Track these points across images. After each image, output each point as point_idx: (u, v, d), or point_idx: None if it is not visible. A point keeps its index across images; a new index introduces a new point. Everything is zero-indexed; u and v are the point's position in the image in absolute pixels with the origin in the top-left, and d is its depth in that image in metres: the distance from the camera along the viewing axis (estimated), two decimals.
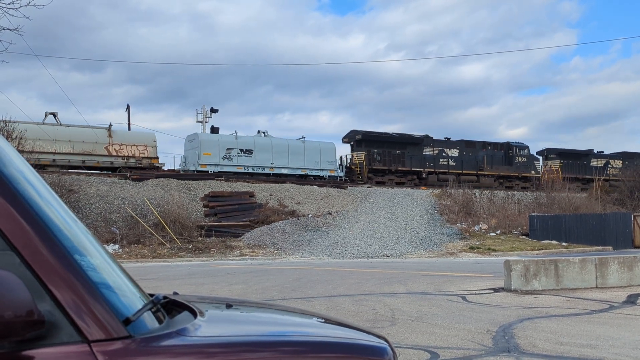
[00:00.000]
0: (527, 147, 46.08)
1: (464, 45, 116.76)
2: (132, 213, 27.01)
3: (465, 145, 43.63)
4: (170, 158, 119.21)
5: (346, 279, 14.36)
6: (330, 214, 30.68)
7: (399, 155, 40.85)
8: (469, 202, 33.13)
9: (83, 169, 32.42)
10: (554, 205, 34.68)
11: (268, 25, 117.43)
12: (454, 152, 43.01)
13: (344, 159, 41.06)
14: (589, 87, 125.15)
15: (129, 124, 40.49)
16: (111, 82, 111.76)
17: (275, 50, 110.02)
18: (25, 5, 12.51)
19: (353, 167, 40.29)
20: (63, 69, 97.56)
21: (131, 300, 1.78)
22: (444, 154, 42.59)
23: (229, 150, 35.94)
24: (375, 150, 40.16)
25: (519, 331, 7.52)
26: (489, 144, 45.19)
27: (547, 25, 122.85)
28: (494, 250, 25.21)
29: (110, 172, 32.91)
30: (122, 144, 34.39)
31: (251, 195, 31.42)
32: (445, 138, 43.52)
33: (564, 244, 28.05)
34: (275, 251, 25.02)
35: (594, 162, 48.78)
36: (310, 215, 30.40)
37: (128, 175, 31.93)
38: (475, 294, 11.30)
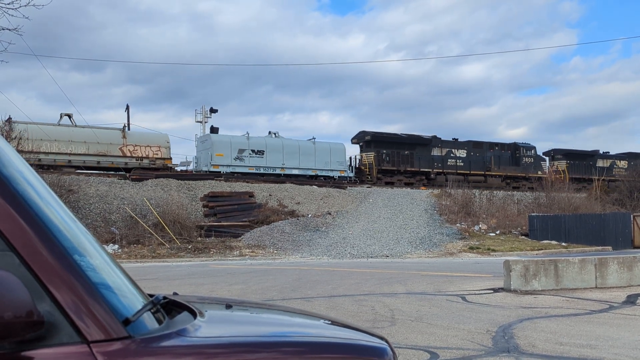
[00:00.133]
0: (534, 148, 46.35)
1: (464, 45, 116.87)
2: (132, 213, 27.00)
3: (473, 145, 43.93)
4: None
5: (346, 279, 14.36)
6: (329, 214, 30.69)
7: (407, 155, 41.16)
8: (469, 202, 33.14)
9: (97, 170, 32.82)
10: (554, 206, 34.69)
11: (268, 25, 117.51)
12: (462, 153, 43.31)
13: (353, 159, 41.42)
14: (589, 87, 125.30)
15: (128, 124, 40.45)
16: (111, 82, 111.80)
17: (275, 51, 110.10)
18: (25, 6, 12.51)
19: (362, 167, 40.62)
20: (63, 69, 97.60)
21: (131, 300, 1.78)
22: (452, 155, 42.90)
23: (241, 151, 36.35)
24: (384, 151, 40.49)
25: (518, 331, 7.52)
26: (497, 144, 45.46)
27: (547, 25, 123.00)
28: (493, 250, 25.22)
29: (124, 173, 33.18)
30: (136, 145, 34.71)
31: (251, 195, 31.42)
32: (453, 139, 43.85)
33: (563, 244, 28.05)
34: (275, 251, 25.02)
35: (600, 163, 48.92)
36: (309, 215, 30.41)
37: (127, 176, 31.96)
38: (475, 294, 11.30)
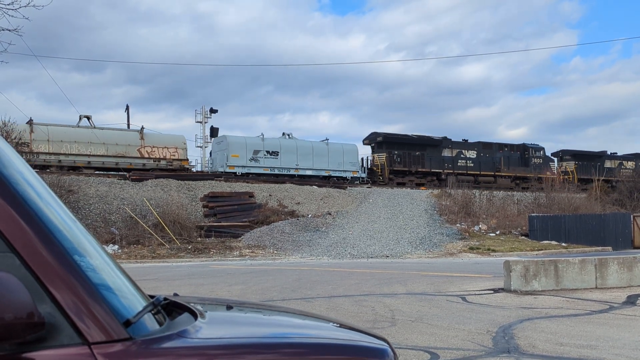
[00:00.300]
0: (543, 149, 46.71)
1: (465, 45, 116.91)
2: (132, 213, 26.99)
3: (483, 146, 44.38)
4: None
5: (346, 279, 14.35)
6: (329, 214, 30.68)
7: (418, 156, 41.59)
8: (469, 202, 33.13)
9: (116, 171, 33.09)
10: (554, 206, 34.68)
11: (268, 25, 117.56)
12: (472, 154, 43.71)
13: (364, 160, 41.80)
14: (589, 88, 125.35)
15: (128, 124, 40.55)
16: (111, 82, 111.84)
17: (276, 51, 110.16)
18: (25, 6, 12.50)
19: (375, 168, 41.07)
20: (63, 69, 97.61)
21: (131, 301, 1.78)
22: (462, 156, 43.32)
23: (256, 152, 36.89)
24: (396, 152, 40.91)
25: (518, 332, 7.51)
26: (506, 145, 45.93)
27: (548, 25, 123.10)
28: (493, 250, 25.21)
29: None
30: (153, 146, 35.14)
31: (251, 195, 31.41)
32: (462, 140, 44.28)
33: (563, 244, 28.04)
34: (275, 251, 25.01)
35: (608, 164, 49.12)
36: (309, 215, 30.40)
37: (127, 176, 31.99)
38: (475, 294, 11.30)
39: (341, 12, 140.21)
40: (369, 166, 41.39)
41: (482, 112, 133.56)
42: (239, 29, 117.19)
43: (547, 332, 7.48)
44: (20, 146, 30.40)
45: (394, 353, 2.10)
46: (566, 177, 44.03)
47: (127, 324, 1.61)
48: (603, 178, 44.99)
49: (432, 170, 41.86)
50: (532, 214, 31.30)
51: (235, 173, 35.82)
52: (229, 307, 2.36)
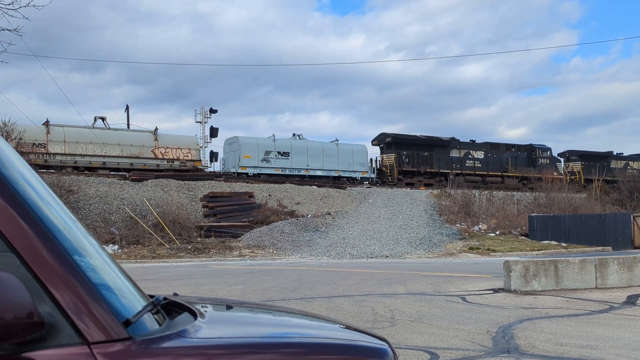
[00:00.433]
0: (550, 149, 47.03)
1: (465, 45, 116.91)
2: (132, 214, 26.99)
3: (490, 147, 44.75)
4: None
5: (345, 279, 14.35)
6: (329, 214, 30.68)
7: (427, 157, 41.91)
8: (468, 202, 33.11)
9: (130, 172, 33.27)
10: (553, 206, 34.68)
11: (268, 25, 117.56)
12: (480, 154, 44.05)
13: (373, 161, 42.03)
14: (589, 88, 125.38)
15: (128, 124, 40.56)
16: (111, 82, 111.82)
17: (276, 51, 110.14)
18: (25, 6, 12.51)
19: (384, 168, 41.32)
20: (63, 69, 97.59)
21: (131, 301, 1.78)
22: (470, 156, 43.65)
23: (267, 152, 37.23)
24: (405, 153, 41.19)
25: (518, 332, 7.51)
26: (513, 145, 46.33)
27: (548, 25, 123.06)
28: (493, 250, 25.21)
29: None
30: (167, 147, 35.50)
31: (250, 195, 31.42)
32: (470, 140, 44.62)
33: (563, 244, 28.03)
34: (275, 252, 25.01)
35: (614, 164, 49.27)
36: (309, 215, 30.40)
37: (127, 176, 32.02)
38: (475, 294, 11.30)
39: (341, 12, 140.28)
40: (378, 167, 41.66)
41: (482, 111, 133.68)
42: (238, 29, 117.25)
43: (547, 332, 7.48)
44: (37, 147, 30.60)
45: (394, 353, 2.10)
46: (572, 177, 44.29)
47: (127, 323, 1.61)
48: (609, 178, 45.13)
49: (441, 170, 42.10)
50: (532, 214, 31.29)
51: (247, 173, 36.17)
52: (229, 307, 2.36)
